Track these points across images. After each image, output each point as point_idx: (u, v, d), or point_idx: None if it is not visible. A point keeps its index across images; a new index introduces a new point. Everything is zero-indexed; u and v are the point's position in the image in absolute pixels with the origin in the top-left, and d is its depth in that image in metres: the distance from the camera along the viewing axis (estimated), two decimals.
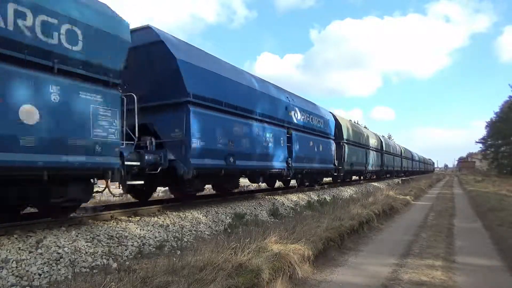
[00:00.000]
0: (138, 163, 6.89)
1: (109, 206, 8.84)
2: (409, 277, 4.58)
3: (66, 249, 4.98)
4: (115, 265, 4.91)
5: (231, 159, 9.17)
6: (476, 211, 11.69)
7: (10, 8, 4.59)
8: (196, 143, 8.07)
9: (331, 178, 20.75)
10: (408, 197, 14.44)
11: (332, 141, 17.57)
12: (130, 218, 6.94)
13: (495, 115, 52.86)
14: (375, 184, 23.90)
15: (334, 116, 19.14)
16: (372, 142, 26.25)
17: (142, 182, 7.05)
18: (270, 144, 11.23)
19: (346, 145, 19.53)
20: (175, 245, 6.22)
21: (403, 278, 4.55)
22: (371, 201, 10.50)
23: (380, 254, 5.86)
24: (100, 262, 5.01)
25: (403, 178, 31.93)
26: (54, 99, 5.08)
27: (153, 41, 8.06)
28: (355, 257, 5.70)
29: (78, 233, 5.54)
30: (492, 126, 53.05)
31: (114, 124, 5.89)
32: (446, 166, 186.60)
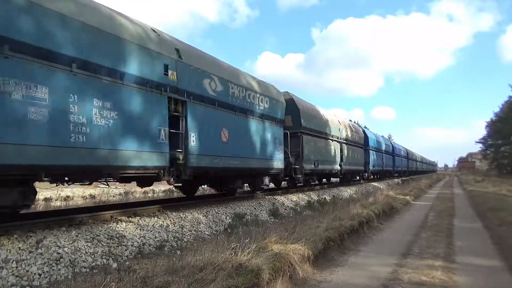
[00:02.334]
0: None
1: (108, 206, 8.84)
2: (409, 277, 4.58)
3: (66, 249, 4.98)
4: (115, 265, 4.91)
5: None
6: (476, 211, 11.69)
7: None
8: None
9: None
10: (408, 197, 14.44)
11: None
12: (130, 218, 6.93)
13: (495, 115, 52.97)
14: (375, 184, 23.91)
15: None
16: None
17: None
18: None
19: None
20: (175, 245, 6.22)
21: (403, 278, 4.55)
22: (371, 201, 10.51)
23: (380, 254, 5.86)
24: (100, 262, 5.01)
25: (403, 178, 31.83)
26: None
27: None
28: (355, 257, 5.70)
29: (78, 233, 5.54)
30: (492, 126, 53.11)
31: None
32: (446, 166, 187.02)
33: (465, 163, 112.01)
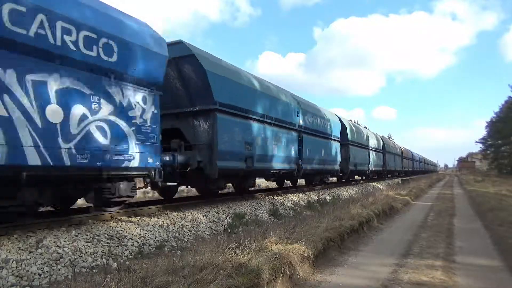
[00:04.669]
0: None
1: None
2: (409, 277, 4.58)
3: (66, 249, 4.98)
4: (115, 265, 4.91)
5: None
6: (476, 211, 11.69)
7: None
8: None
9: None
10: (408, 197, 14.45)
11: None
12: (130, 218, 6.94)
13: (495, 115, 53.03)
14: (375, 184, 23.92)
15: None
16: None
17: None
18: None
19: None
20: (175, 245, 6.22)
21: (403, 278, 4.55)
22: (371, 201, 10.50)
23: (380, 254, 5.86)
24: (100, 262, 5.01)
25: (403, 178, 31.78)
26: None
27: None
28: (355, 257, 5.70)
29: (78, 233, 5.54)
30: (492, 126, 53.16)
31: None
32: (446, 166, 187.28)
33: (465, 163, 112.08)
